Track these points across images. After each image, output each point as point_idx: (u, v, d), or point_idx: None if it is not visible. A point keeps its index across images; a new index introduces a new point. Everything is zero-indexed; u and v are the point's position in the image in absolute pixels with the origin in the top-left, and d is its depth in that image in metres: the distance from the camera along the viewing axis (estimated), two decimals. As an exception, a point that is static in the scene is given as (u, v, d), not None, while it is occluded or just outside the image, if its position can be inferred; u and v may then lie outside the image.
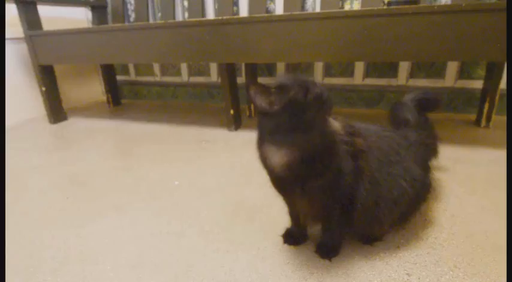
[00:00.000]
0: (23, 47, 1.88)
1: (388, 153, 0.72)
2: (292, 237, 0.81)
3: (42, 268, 0.79)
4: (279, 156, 0.61)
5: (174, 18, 2.08)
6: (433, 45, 1.16)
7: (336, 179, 0.65)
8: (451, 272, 0.70)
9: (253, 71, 1.88)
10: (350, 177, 0.66)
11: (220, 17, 1.50)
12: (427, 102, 0.95)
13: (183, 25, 1.50)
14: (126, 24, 2.25)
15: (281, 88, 0.59)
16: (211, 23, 1.44)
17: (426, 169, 0.81)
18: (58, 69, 2.00)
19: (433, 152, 0.92)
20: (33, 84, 2.01)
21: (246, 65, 1.86)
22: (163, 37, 1.55)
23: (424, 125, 0.90)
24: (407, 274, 0.70)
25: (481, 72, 1.67)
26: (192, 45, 1.50)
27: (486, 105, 1.55)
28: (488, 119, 1.57)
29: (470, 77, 1.72)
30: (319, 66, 1.93)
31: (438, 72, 1.76)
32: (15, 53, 2.00)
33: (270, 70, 2.05)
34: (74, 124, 1.99)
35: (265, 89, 0.59)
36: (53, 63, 1.91)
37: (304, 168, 0.62)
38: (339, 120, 0.71)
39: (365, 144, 0.69)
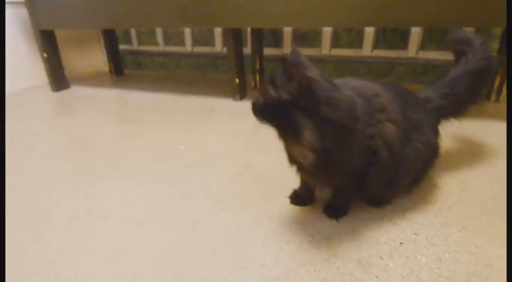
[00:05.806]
0: (24, 11, 1.83)
1: (412, 121, 0.71)
2: (299, 198, 0.81)
3: (50, 223, 0.79)
4: None
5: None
6: (450, 9, 1.12)
7: (343, 167, 0.64)
8: (459, 233, 0.70)
9: (259, 40, 1.83)
10: (363, 163, 0.65)
11: (227, -21, 1.44)
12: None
13: (188, -13, 1.45)
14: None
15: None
16: (217, -16, 1.39)
17: (436, 133, 0.80)
18: (59, 38, 1.95)
19: (454, 113, 0.88)
20: (35, 51, 1.97)
21: (252, 33, 1.80)
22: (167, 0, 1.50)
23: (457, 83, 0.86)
24: (415, 234, 0.70)
25: (494, 45, 1.61)
26: (197, 8, 1.45)
27: (497, 79, 1.51)
28: (499, 93, 1.54)
29: (482, 49, 1.66)
30: (326, 36, 1.88)
31: (450, 44, 1.70)
32: (15, 18, 1.95)
33: (276, 40, 2.00)
34: (77, 92, 1.96)
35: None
36: (53, 27, 1.86)
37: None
38: (375, 96, 0.67)
39: (395, 130, 0.66)
